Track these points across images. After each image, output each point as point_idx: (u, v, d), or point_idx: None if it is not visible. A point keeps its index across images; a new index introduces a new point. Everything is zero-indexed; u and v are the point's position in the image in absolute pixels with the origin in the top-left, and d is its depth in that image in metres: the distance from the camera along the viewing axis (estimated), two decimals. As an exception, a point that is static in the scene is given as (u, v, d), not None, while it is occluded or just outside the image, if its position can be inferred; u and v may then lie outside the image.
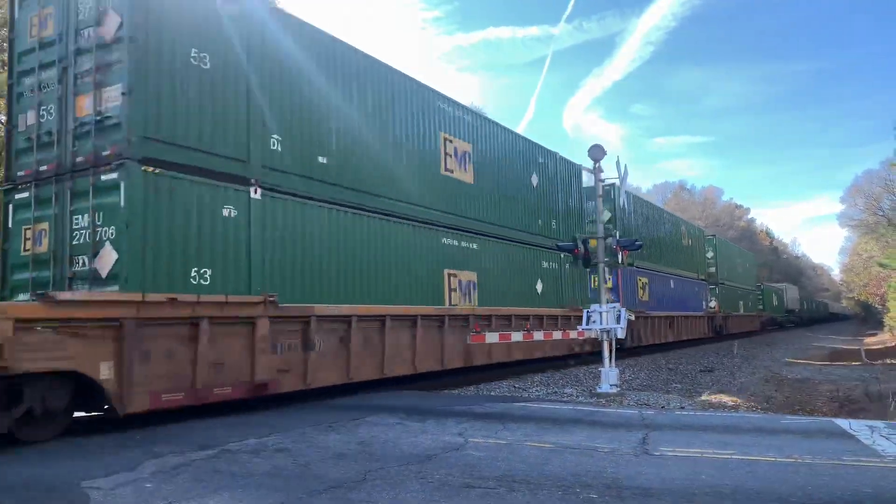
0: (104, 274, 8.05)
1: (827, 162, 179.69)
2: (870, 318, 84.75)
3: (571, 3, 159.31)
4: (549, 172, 19.68)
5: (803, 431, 7.88)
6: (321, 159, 11.15)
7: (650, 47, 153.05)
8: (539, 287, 18.15)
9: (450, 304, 14.20)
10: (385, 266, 12.47)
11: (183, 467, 5.84)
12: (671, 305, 29.49)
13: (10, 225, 9.18)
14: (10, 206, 9.22)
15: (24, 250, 8.96)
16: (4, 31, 13.47)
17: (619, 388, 13.23)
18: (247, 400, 9.48)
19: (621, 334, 13.27)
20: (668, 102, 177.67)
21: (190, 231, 8.69)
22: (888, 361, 26.60)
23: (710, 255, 39.31)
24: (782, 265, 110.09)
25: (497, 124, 17.54)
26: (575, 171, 21.29)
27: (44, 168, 8.88)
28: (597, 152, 14.13)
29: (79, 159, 8.57)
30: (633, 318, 21.95)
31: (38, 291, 7.49)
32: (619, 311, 13.36)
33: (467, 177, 15.44)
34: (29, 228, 8.93)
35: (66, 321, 7.04)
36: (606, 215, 21.65)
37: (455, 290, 14.43)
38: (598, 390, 13.06)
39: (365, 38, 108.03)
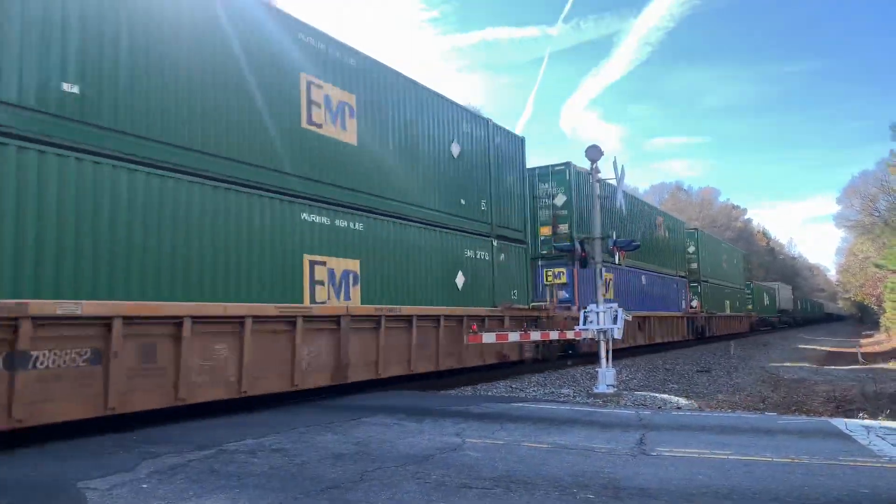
0: None
1: (823, 162, 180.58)
2: (866, 318, 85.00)
3: (569, 3, 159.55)
4: (479, 143, 16.29)
5: (800, 432, 7.89)
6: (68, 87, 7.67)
7: (648, 48, 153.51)
8: (460, 281, 14.75)
9: (312, 300, 10.67)
10: (200, 248, 8.99)
11: (180, 468, 5.83)
12: (642, 304, 26.52)
13: None
14: None
15: None
16: None
17: (616, 389, 13.24)
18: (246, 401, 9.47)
19: (618, 335, 13.28)
20: (666, 103, 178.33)
21: None
22: (888, 366, 25.70)
23: (691, 249, 36.25)
24: (779, 266, 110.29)
25: (399, 73, 13.60)
26: (517, 144, 18.13)
27: None
28: (594, 153, 14.14)
29: None
30: (629, 318, 21.66)
31: None
32: (616, 311, 13.38)
33: (347, 136, 11.80)
34: None
35: None
36: (561, 199, 21.35)
37: (322, 282, 10.91)
38: (596, 390, 13.07)
39: (364, 38, 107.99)
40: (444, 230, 14.51)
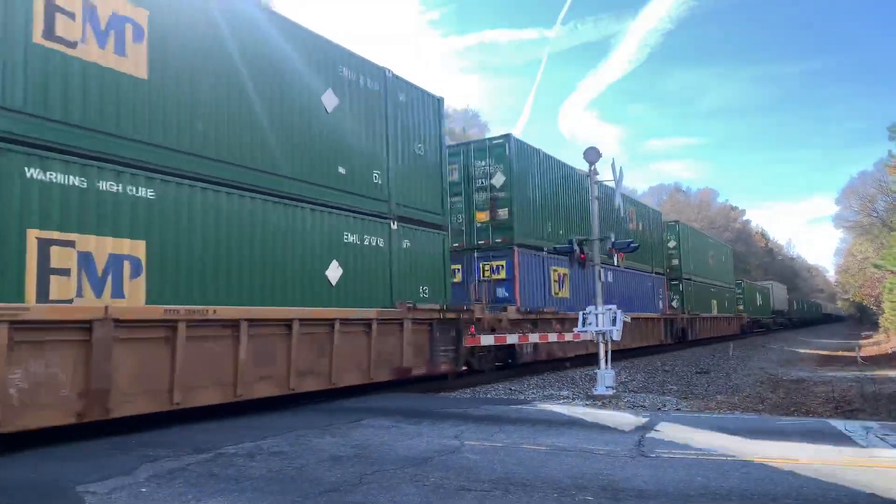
0: None
1: (822, 163, 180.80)
2: (865, 319, 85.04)
3: (566, 5, 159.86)
4: (371, 97, 12.47)
5: (798, 432, 7.90)
6: None
7: (646, 49, 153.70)
8: (334, 274, 11.15)
9: (43, 297, 7.31)
10: None
11: (179, 471, 5.83)
12: (609, 305, 24.58)
13: None
14: None
15: None
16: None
17: (615, 390, 13.25)
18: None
19: (616, 336, 13.29)
20: (664, 104, 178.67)
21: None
22: (891, 373, 23.08)
23: (671, 244, 32.67)
24: (777, 266, 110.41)
25: None
26: (431, 106, 14.28)
27: None
28: (592, 155, 14.16)
29: None
30: (628, 319, 20.97)
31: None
32: (616, 313, 13.39)
33: (128, 65, 8.46)
34: None
35: None
36: (500, 178, 18.14)
37: (66, 271, 7.53)
38: (595, 392, 13.08)
39: (364, 39, 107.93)
40: (309, 206, 10.82)
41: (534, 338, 17.39)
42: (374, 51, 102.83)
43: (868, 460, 6.20)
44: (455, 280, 16.86)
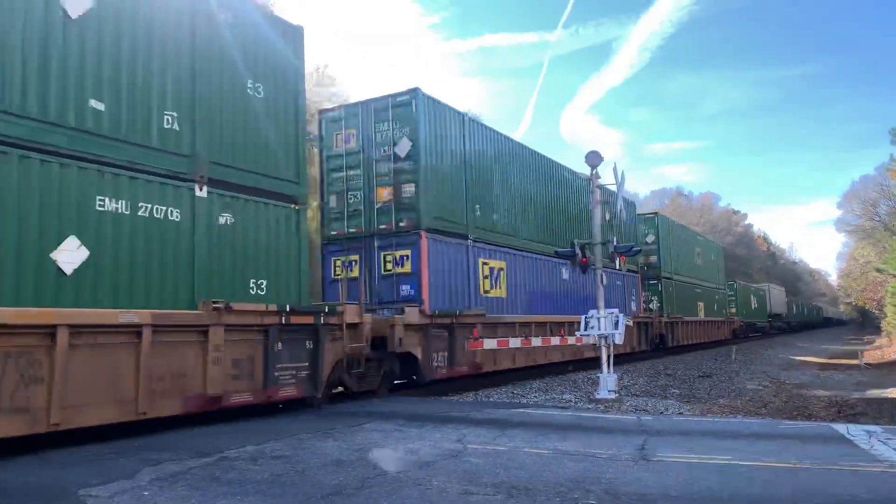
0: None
1: (824, 167, 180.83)
2: (867, 323, 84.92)
3: (568, 9, 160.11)
4: (158, 7, 8.97)
5: (801, 436, 7.88)
6: None
7: (647, 53, 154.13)
8: (69, 258, 7.60)
9: None
10: None
11: (181, 475, 5.83)
12: (559, 306, 19.41)
13: None
14: None
15: None
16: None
17: (617, 394, 13.23)
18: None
19: (619, 340, 13.28)
20: (665, 108, 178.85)
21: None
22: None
23: (649, 239, 29.05)
24: (779, 270, 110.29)
25: None
26: (275, 29, 10.71)
27: None
28: (594, 159, 14.18)
29: None
30: (630, 322, 20.54)
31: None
32: (618, 316, 13.38)
33: None
34: None
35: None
36: (405, 146, 14.16)
37: None
38: (597, 396, 13.07)
39: (363, 40, 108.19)
40: (20, 153, 7.24)
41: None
42: (374, 51, 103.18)
43: (871, 464, 6.18)
44: (351, 275, 14.05)
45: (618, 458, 6.53)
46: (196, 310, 8.74)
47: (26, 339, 6.89)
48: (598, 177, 14.40)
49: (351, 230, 14.67)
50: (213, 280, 9.19)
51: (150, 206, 8.55)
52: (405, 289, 13.87)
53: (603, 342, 13.31)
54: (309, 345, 10.28)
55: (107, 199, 8.08)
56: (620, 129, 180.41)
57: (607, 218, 22.39)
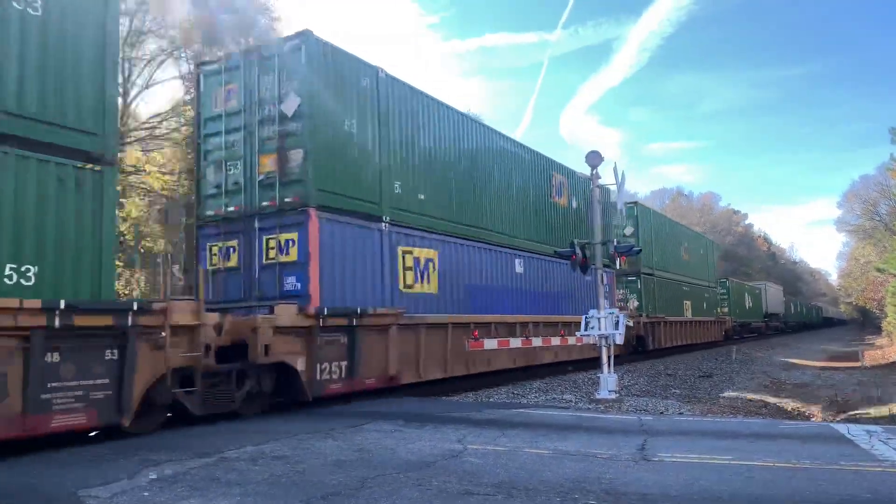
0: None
1: (824, 166, 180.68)
2: (868, 323, 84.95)
3: (568, 9, 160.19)
4: None
5: (801, 436, 7.88)
6: None
7: (646, 53, 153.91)
8: None
9: None
10: None
11: (181, 476, 5.83)
12: (513, 304, 16.52)
13: None
14: None
15: None
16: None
17: (617, 394, 13.23)
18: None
19: (619, 340, 13.27)
20: (664, 108, 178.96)
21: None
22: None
23: (627, 231, 26.46)
24: (780, 270, 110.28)
25: None
26: None
27: None
28: (594, 159, 14.19)
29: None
30: (630, 323, 20.25)
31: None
32: (618, 316, 13.38)
33: None
34: None
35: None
36: (293, 103, 11.24)
37: None
38: (597, 396, 13.08)
39: (362, 41, 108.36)
40: None
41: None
42: (373, 51, 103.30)
43: (871, 464, 6.18)
44: (229, 265, 11.79)
45: (618, 458, 6.53)
46: None
47: None
48: (599, 177, 14.40)
49: (230, 209, 11.88)
50: None
51: None
52: (290, 281, 11.15)
53: (603, 342, 13.30)
54: (110, 355, 7.60)
55: None
56: (619, 129, 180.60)
57: (574, 206, 20.88)
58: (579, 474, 5.84)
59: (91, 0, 8.21)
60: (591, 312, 13.65)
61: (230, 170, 12.01)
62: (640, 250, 16.94)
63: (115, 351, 7.64)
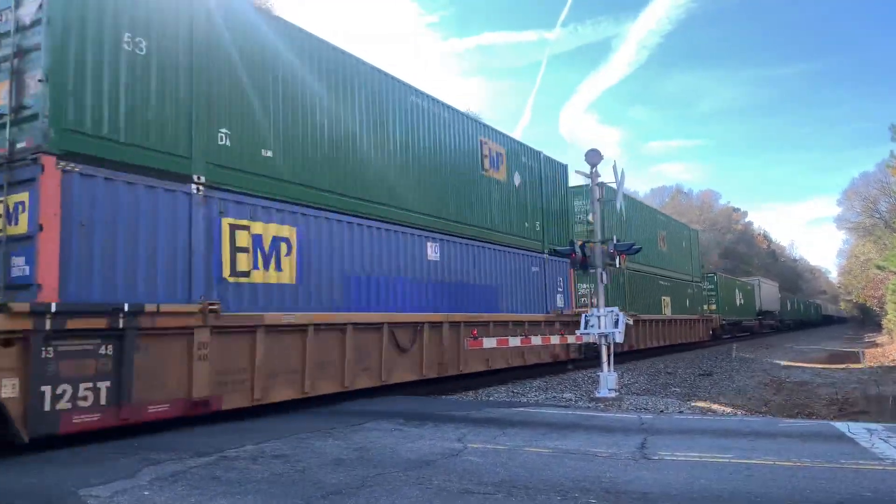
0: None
1: (823, 164, 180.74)
2: (868, 320, 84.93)
3: (567, 7, 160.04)
4: None
5: (801, 435, 7.87)
6: None
7: (645, 51, 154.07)
8: None
9: None
10: None
11: (181, 474, 5.83)
12: (423, 298, 13.30)
13: None
14: None
15: None
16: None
17: (617, 393, 13.23)
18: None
19: (619, 338, 13.25)
20: (663, 106, 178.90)
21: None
22: None
23: (591, 217, 19.16)
24: (780, 268, 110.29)
25: None
26: None
27: None
28: (594, 157, 14.17)
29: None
30: (630, 321, 19.98)
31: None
32: (618, 315, 13.37)
33: None
34: None
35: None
36: (33, 4, 7.07)
37: None
38: (597, 395, 13.07)
39: (362, 42, 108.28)
40: None
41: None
42: (373, 50, 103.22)
43: (872, 462, 6.18)
44: None
45: (618, 457, 6.53)
46: None
47: None
48: (598, 175, 14.38)
49: None
50: None
51: None
52: (18, 264, 7.38)
53: (603, 341, 13.30)
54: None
55: None
56: (619, 128, 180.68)
57: (517, 183, 17.34)
58: (579, 473, 5.84)
59: None
60: (592, 311, 13.65)
61: None
62: (640, 249, 16.46)
63: None
